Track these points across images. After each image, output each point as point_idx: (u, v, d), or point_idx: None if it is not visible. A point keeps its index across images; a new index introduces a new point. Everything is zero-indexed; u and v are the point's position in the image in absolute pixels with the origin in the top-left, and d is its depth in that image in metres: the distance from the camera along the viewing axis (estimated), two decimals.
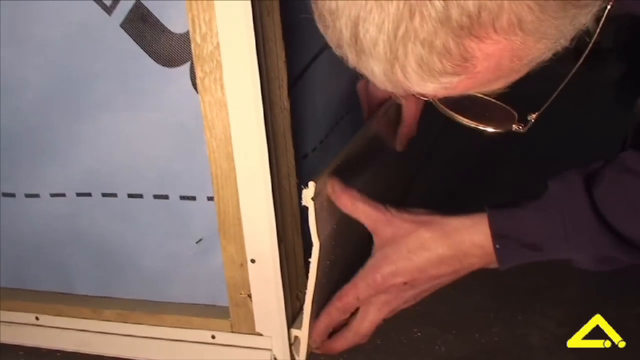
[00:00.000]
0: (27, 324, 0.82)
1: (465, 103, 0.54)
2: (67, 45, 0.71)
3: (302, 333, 0.73)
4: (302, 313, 0.73)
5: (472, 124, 0.57)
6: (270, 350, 0.73)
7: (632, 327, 0.71)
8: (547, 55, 0.48)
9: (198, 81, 0.66)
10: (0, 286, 0.85)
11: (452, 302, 0.84)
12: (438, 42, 0.43)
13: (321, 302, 0.74)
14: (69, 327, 0.81)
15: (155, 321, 0.77)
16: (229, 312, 0.74)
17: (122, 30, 0.69)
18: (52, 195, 0.78)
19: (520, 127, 0.57)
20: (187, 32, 0.67)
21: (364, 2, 0.44)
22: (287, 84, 0.71)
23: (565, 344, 0.73)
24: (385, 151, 0.91)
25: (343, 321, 0.74)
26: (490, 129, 0.58)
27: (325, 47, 0.87)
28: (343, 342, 0.74)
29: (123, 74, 0.71)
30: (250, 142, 0.66)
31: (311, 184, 0.67)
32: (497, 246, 0.66)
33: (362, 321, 0.72)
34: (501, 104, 0.55)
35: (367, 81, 0.82)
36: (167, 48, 0.69)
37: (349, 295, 0.71)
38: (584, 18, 0.46)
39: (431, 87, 0.47)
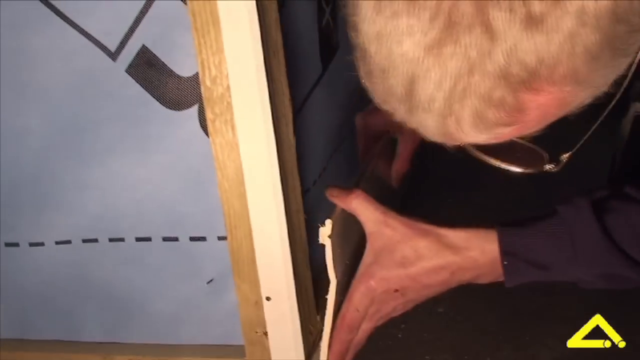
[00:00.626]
0: None
1: (495, 145, 0.56)
2: (71, 91, 0.72)
3: None
4: (319, 349, 0.74)
5: (504, 166, 0.59)
6: None
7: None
8: (589, 100, 0.50)
9: (209, 123, 0.67)
10: (3, 337, 0.84)
11: (458, 327, 0.85)
12: (495, 96, 0.45)
13: None
14: None
15: None
16: (244, 351, 0.75)
17: (128, 76, 0.70)
18: (57, 242, 0.78)
19: (553, 167, 0.59)
20: (195, 75, 0.68)
21: (421, 60, 0.45)
22: (292, 120, 0.72)
23: None
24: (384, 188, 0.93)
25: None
26: (522, 170, 0.60)
27: (318, 81, 0.90)
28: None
29: (130, 118, 0.71)
30: (263, 182, 0.68)
31: (328, 222, 0.69)
32: (505, 263, 0.68)
33: None
34: (531, 145, 0.57)
35: (365, 115, 0.84)
36: (175, 91, 0.70)
37: (349, 310, 0.72)
38: (623, 66, 0.49)
39: (483, 138, 0.48)
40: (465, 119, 0.46)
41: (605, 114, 0.57)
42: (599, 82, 0.47)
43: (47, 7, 0.69)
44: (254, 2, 0.62)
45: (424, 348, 0.82)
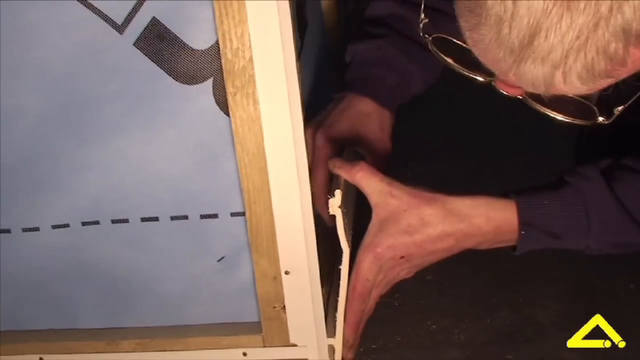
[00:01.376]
0: None
1: (552, 99, 0.58)
2: (71, 67, 0.68)
3: (337, 341, 0.75)
4: (335, 321, 0.75)
5: (565, 119, 0.62)
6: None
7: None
8: None
9: (229, 97, 0.66)
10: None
11: (451, 293, 0.88)
12: (610, 49, 0.47)
13: None
14: None
15: (180, 346, 0.76)
16: (259, 327, 0.75)
17: (136, 49, 0.67)
18: (54, 227, 0.75)
19: (604, 119, 0.62)
20: (210, 48, 0.66)
21: (549, 11, 0.46)
22: (302, 98, 0.72)
23: (575, 320, 0.79)
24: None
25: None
26: (578, 122, 0.62)
27: (299, 55, 0.90)
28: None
29: (137, 94, 0.69)
30: (286, 156, 0.67)
31: (338, 192, 0.70)
32: (523, 232, 0.71)
33: None
34: (582, 99, 0.59)
35: (325, 130, 0.82)
36: (188, 65, 0.68)
37: (359, 281, 0.74)
38: None
39: (582, 89, 0.51)
40: (575, 70, 0.48)
41: None
42: None
43: None
44: None
45: (424, 314, 0.84)
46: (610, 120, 0.61)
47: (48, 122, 0.71)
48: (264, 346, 0.75)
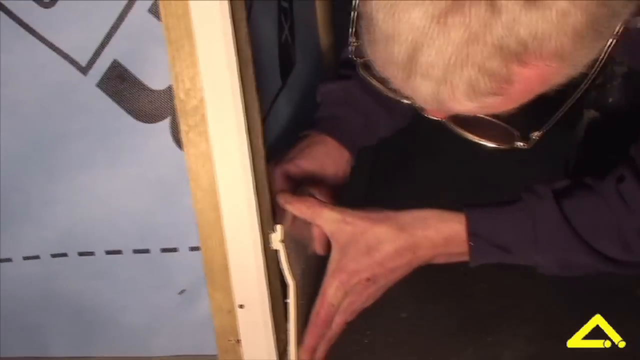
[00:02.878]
0: None
1: (471, 122, 0.61)
2: (41, 106, 0.74)
3: None
4: (288, 353, 0.77)
5: (480, 141, 0.65)
6: None
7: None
8: (564, 80, 0.55)
9: (183, 135, 0.70)
10: None
11: (422, 331, 0.90)
12: (489, 66, 0.50)
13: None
14: None
15: None
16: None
17: (99, 90, 0.72)
18: (25, 258, 0.80)
19: (524, 144, 0.64)
20: (167, 88, 0.71)
21: (429, 30, 0.49)
22: (262, 132, 0.76)
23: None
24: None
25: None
26: (496, 146, 0.65)
27: (278, 94, 0.94)
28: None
29: (101, 132, 0.74)
30: (237, 192, 0.71)
31: (278, 227, 0.73)
32: (472, 243, 0.74)
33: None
34: (502, 123, 0.62)
35: (286, 164, 0.85)
36: (147, 105, 0.72)
37: (324, 306, 0.77)
38: (599, 48, 0.54)
39: (472, 106, 0.53)
40: (459, 87, 0.51)
41: (578, 94, 0.62)
42: (579, 61, 0.52)
43: (16, 22, 0.71)
44: (229, 17, 0.65)
45: (391, 352, 0.87)
46: (530, 146, 0.64)
47: (19, 158, 0.76)
48: None
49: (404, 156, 1.42)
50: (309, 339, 0.78)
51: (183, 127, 0.70)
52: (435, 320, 0.92)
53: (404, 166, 1.42)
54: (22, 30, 0.71)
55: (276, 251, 0.75)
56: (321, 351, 0.79)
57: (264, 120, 0.77)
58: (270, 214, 0.78)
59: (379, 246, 0.76)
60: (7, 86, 0.73)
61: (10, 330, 0.83)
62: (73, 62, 0.72)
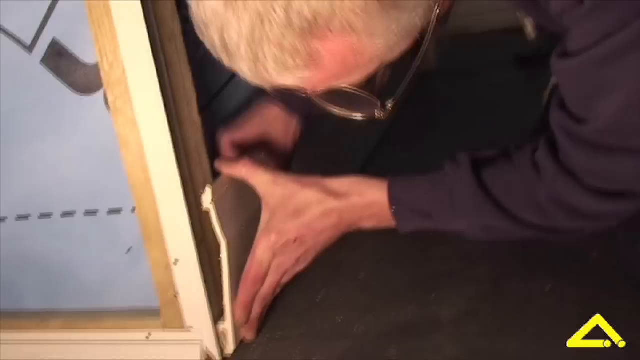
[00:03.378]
0: None
1: (337, 96, 0.64)
2: None
3: (227, 325, 0.83)
4: (224, 307, 0.84)
5: (342, 112, 0.68)
6: (200, 342, 0.84)
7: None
8: (391, 53, 0.59)
9: (110, 104, 0.77)
10: None
11: (373, 290, 0.94)
12: (287, 43, 0.54)
13: None
14: (20, 340, 0.91)
15: (96, 326, 0.88)
16: (160, 312, 0.85)
17: (43, 66, 0.81)
18: None
19: (382, 113, 0.68)
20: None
21: (225, 13, 0.54)
22: (196, 101, 0.82)
23: (473, 319, 0.83)
24: None
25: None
26: (357, 116, 0.69)
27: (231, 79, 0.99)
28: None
29: (47, 104, 0.82)
30: (161, 155, 0.77)
31: (207, 188, 0.79)
32: (393, 208, 0.78)
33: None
34: (365, 94, 0.65)
35: (231, 131, 0.90)
36: (82, 78, 0.80)
37: (253, 265, 0.83)
38: (411, 20, 0.57)
39: (291, 80, 0.57)
40: (269, 64, 0.55)
41: (416, 64, 0.65)
42: (381, 33, 0.55)
43: None
44: None
45: (337, 310, 0.90)
46: (386, 116, 0.67)
47: None
48: (164, 329, 0.85)
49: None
50: (241, 295, 0.83)
51: (110, 97, 0.77)
52: (388, 281, 0.95)
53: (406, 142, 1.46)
54: None
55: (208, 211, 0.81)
56: (257, 309, 0.85)
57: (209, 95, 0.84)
58: (210, 176, 0.84)
59: (306, 208, 0.80)
60: None
61: None
62: (19, 41, 0.80)
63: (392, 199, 0.78)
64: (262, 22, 0.53)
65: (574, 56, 0.61)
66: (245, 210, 0.87)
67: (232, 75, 0.96)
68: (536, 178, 0.71)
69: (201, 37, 0.58)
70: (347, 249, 1.05)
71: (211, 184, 0.81)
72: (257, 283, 0.83)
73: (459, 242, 1.00)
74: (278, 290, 0.87)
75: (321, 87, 0.61)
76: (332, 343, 0.84)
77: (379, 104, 0.67)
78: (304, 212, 0.80)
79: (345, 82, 0.61)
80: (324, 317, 0.90)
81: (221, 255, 0.82)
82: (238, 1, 0.53)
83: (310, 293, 0.96)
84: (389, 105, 0.67)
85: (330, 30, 0.53)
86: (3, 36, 0.81)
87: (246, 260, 0.84)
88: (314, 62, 0.55)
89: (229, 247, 0.82)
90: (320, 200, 0.80)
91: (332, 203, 0.80)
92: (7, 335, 0.91)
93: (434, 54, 2.35)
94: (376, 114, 0.67)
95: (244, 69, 0.57)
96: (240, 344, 0.86)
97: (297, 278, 0.95)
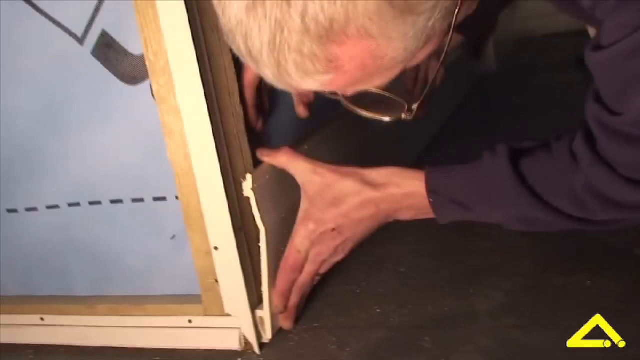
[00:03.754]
0: (33, 325, 0.97)
1: (365, 98, 0.66)
2: (49, 74, 0.87)
3: (265, 313, 0.85)
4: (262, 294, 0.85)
5: (369, 115, 0.70)
6: (239, 329, 0.86)
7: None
8: (413, 56, 0.59)
9: (155, 93, 0.80)
10: (10, 294, 1.00)
11: (412, 283, 0.95)
12: (306, 49, 0.55)
13: None
14: (69, 324, 0.95)
15: (140, 312, 0.91)
16: (201, 298, 0.87)
17: (93, 57, 0.84)
18: (48, 207, 0.93)
19: (408, 115, 0.69)
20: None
21: (247, 21, 0.56)
22: (238, 92, 0.84)
23: (509, 312, 0.83)
24: None
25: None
26: (384, 118, 0.71)
27: None
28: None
29: (96, 94, 0.86)
30: (202, 143, 0.80)
31: (248, 176, 0.81)
32: (431, 200, 0.79)
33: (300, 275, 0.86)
34: (392, 96, 0.67)
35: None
36: (130, 68, 0.84)
37: (291, 252, 0.84)
38: (428, 24, 0.57)
39: (313, 85, 0.59)
40: (291, 70, 0.57)
41: (440, 65, 0.66)
42: (397, 36, 0.56)
43: (27, 3, 0.84)
44: None
45: (376, 301, 0.91)
46: (411, 117, 0.68)
47: (34, 120, 0.90)
48: (205, 315, 0.87)
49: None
50: (279, 283, 0.85)
51: (155, 86, 0.80)
52: (428, 275, 0.96)
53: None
54: (30, 8, 0.85)
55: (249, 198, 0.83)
56: (294, 298, 0.87)
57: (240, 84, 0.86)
58: (251, 165, 0.87)
59: (345, 198, 0.82)
60: (20, 57, 0.88)
61: (41, 272, 0.98)
62: (72, 34, 0.85)
63: (430, 190, 0.79)
64: (281, 29, 0.54)
65: (605, 49, 0.61)
66: (286, 200, 0.88)
67: None
68: (573, 167, 0.71)
69: (229, 44, 0.60)
70: (389, 244, 1.07)
71: (252, 172, 0.83)
72: (294, 271, 0.85)
73: (501, 238, 1.02)
74: (317, 280, 0.89)
75: (346, 91, 0.62)
76: (368, 333, 0.85)
77: (406, 106, 0.68)
78: (342, 202, 0.82)
79: (369, 86, 0.62)
80: (361, 308, 0.91)
81: (260, 243, 0.84)
82: (258, 9, 0.54)
83: (350, 284, 0.98)
84: (414, 106, 0.68)
85: (347, 36, 0.54)
86: (56, 29, 0.85)
87: (285, 249, 0.86)
88: (334, 67, 0.56)
89: (268, 235, 0.83)
90: (358, 191, 0.82)
91: (370, 193, 0.81)
92: (58, 320, 0.95)
93: (493, 57, 2.37)
94: (403, 116, 0.69)
95: (269, 74, 0.59)
96: (278, 332, 0.88)
97: (338, 270, 0.97)
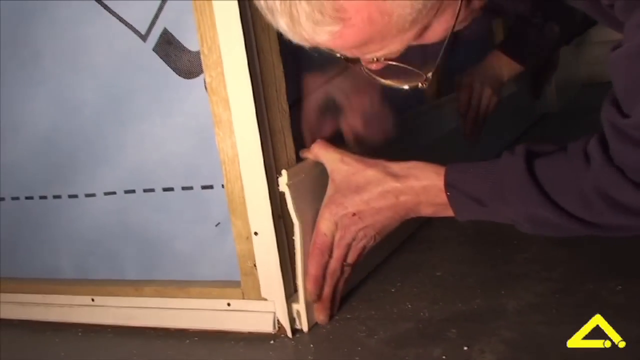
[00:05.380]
0: (84, 305, 1.04)
1: (388, 70, 0.73)
2: (113, 68, 0.96)
3: (301, 306, 0.90)
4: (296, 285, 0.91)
5: (388, 82, 0.76)
6: (273, 312, 0.91)
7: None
8: (422, 19, 0.65)
9: (207, 84, 0.88)
10: (65, 277, 1.08)
11: (446, 285, 0.99)
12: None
13: None
14: (117, 305, 1.02)
15: (183, 294, 0.97)
16: (240, 282, 0.93)
17: (154, 53, 0.93)
18: (106, 193, 1.01)
19: (425, 83, 0.75)
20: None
21: None
22: (285, 89, 0.91)
23: (537, 310, 0.86)
24: None
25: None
26: (404, 86, 0.76)
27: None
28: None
29: (155, 87, 0.94)
30: (248, 134, 0.87)
31: (284, 172, 0.87)
32: (448, 194, 0.83)
33: None
34: (410, 67, 0.73)
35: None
36: (187, 63, 0.92)
37: (318, 235, 0.90)
38: None
39: (324, 37, 0.65)
40: (303, 20, 0.63)
41: (450, 36, 0.71)
42: None
43: (97, 2, 0.94)
44: None
45: (408, 299, 0.95)
46: (427, 85, 0.73)
47: (99, 111, 0.99)
48: (243, 298, 0.93)
49: None
50: (309, 268, 0.90)
51: (207, 78, 0.88)
52: (462, 278, 1.00)
53: None
54: (100, 7, 0.94)
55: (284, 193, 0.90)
56: (327, 288, 0.92)
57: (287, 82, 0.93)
58: (294, 160, 0.93)
59: (366, 186, 0.88)
60: (89, 53, 0.97)
61: (95, 256, 1.05)
62: (136, 31, 0.93)
63: (448, 184, 0.83)
64: None
65: (621, 48, 0.65)
66: (320, 199, 0.94)
67: None
68: (584, 167, 0.73)
69: (255, 2, 0.67)
70: (429, 252, 1.12)
71: (287, 169, 0.89)
72: (323, 254, 0.90)
73: (539, 250, 1.05)
74: (347, 271, 0.93)
75: (362, 53, 0.68)
76: (397, 324, 0.89)
77: (424, 76, 0.73)
78: (364, 190, 0.88)
79: (384, 51, 0.68)
80: (393, 303, 0.96)
81: (295, 236, 0.89)
82: None
83: (386, 284, 1.02)
84: (430, 75, 0.74)
85: None
86: (122, 26, 0.94)
87: None
88: (341, 18, 0.63)
89: (302, 229, 0.89)
90: (380, 180, 0.87)
91: (391, 184, 0.87)
92: (107, 301, 1.03)
93: (555, 97, 2.39)
94: (419, 85, 0.74)
95: (284, 25, 0.65)
96: (314, 326, 0.92)
97: (375, 272, 1.03)
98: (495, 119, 1.83)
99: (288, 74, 0.92)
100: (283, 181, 0.88)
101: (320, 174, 0.93)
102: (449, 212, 0.85)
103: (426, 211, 0.87)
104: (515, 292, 0.93)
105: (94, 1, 0.95)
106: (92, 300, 1.04)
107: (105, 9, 0.94)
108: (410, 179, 0.85)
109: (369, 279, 1.04)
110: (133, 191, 1.00)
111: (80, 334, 1.03)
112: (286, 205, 0.90)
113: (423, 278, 1.03)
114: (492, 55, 1.46)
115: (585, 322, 0.80)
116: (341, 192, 0.89)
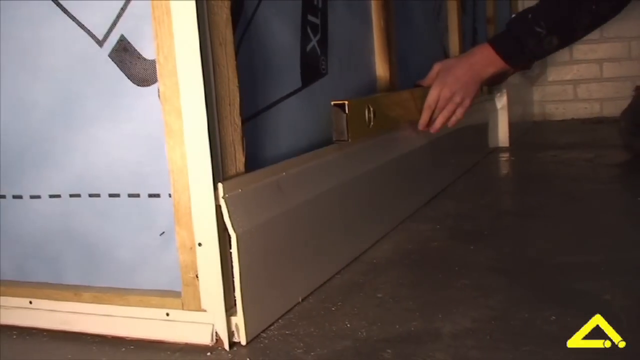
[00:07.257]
0: (21, 307, 1.04)
1: None
2: (69, 72, 0.97)
3: (239, 320, 0.91)
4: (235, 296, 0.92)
5: None
6: (212, 324, 0.92)
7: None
8: None
9: (161, 93, 0.90)
10: (3, 279, 1.08)
11: (386, 306, 1.01)
12: None
13: (256, 288, 0.93)
14: (55, 309, 1.02)
15: (122, 302, 0.97)
16: (181, 292, 0.94)
17: (109, 59, 0.94)
18: (51, 196, 1.02)
19: None
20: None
21: None
22: (239, 104, 0.93)
23: (472, 335, 0.89)
24: None
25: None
26: None
27: (295, 92, 1.11)
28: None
29: (108, 93, 0.95)
30: (198, 144, 0.88)
31: (220, 185, 0.89)
32: (493, 45, 1.56)
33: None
34: None
35: None
36: (142, 71, 0.93)
37: (428, 102, 1.55)
38: None
39: None
40: None
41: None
42: None
43: (56, 4, 0.95)
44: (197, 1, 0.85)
45: (348, 318, 0.97)
46: None
47: (50, 112, 0.99)
48: (183, 309, 0.94)
49: None
50: (422, 117, 1.55)
51: (161, 87, 0.90)
52: (402, 301, 1.03)
53: None
54: (58, 10, 0.95)
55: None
56: (437, 123, 1.57)
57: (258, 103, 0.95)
58: (243, 172, 0.95)
59: (452, 70, 1.56)
60: (46, 55, 0.98)
61: (35, 259, 1.05)
62: (93, 36, 0.95)
63: (492, 41, 1.57)
64: None
65: None
66: (260, 214, 0.96)
67: (290, 94, 1.10)
68: None
69: None
70: (372, 274, 1.14)
71: (222, 182, 0.90)
72: (431, 110, 1.55)
73: (479, 276, 1.08)
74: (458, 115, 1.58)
75: None
76: (334, 342, 0.91)
77: None
78: (452, 74, 1.56)
79: None
80: (333, 322, 0.98)
81: (232, 248, 0.91)
82: None
83: (327, 303, 1.04)
84: None
85: None
86: (80, 30, 0.95)
87: (260, 259, 0.94)
88: None
89: (239, 242, 0.91)
90: (461, 65, 1.57)
91: (466, 64, 1.57)
92: (44, 304, 1.02)
93: (507, 134, 2.49)
94: None
95: None
96: (254, 338, 0.94)
97: (319, 291, 1.05)
98: (448, 152, 1.90)
99: (244, 89, 0.94)
100: (219, 194, 0.90)
101: (261, 187, 0.95)
102: (502, 64, 1.55)
103: (490, 70, 1.56)
104: (452, 317, 0.95)
105: (54, 4, 0.95)
106: (30, 302, 1.04)
107: (64, 12, 0.95)
108: (475, 53, 1.58)
109: (310, 297, 1.06)
110: (78, 195, 1.00)
111: (15, 336, 1.03)
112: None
113: (364, 299, 1.05)
114: (480, 48, 1.59)
115: (518, 349, 0.83)
116: (441, 78, 1.56)
